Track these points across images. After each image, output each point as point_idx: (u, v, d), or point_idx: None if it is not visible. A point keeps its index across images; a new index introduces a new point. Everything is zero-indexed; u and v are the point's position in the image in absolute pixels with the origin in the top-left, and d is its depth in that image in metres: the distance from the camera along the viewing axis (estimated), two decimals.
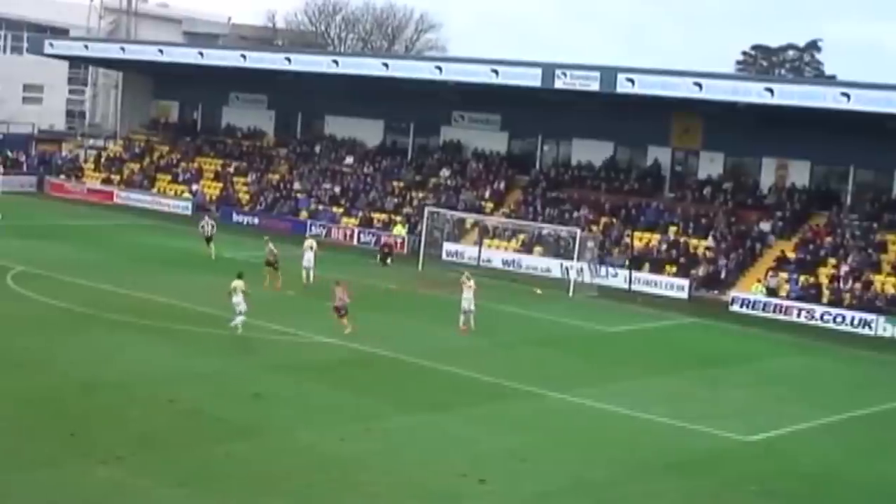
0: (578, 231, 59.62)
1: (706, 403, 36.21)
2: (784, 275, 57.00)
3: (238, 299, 39.02)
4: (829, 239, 59.34)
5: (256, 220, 73.11)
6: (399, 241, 66.80)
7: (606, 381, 37.80)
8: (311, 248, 52.52)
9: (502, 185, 71.40)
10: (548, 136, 73.62)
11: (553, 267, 60.80)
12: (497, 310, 49.33)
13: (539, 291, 51.23)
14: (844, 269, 56.38)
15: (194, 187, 79.80)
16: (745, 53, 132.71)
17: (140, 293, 44.19)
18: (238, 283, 39.29)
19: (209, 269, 52.86)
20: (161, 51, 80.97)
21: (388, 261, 61.47)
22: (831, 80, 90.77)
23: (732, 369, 42.48)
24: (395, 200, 72.26)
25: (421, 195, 72.00)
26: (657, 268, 59.85)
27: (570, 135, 71.95)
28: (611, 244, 62.47)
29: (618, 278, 59.13)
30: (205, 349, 37.37)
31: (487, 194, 70.80)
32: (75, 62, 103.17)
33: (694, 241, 61.72)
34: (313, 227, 70.80)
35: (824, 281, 56.29)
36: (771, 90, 57.70)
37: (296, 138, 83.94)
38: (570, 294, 55.80)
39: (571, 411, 33.60)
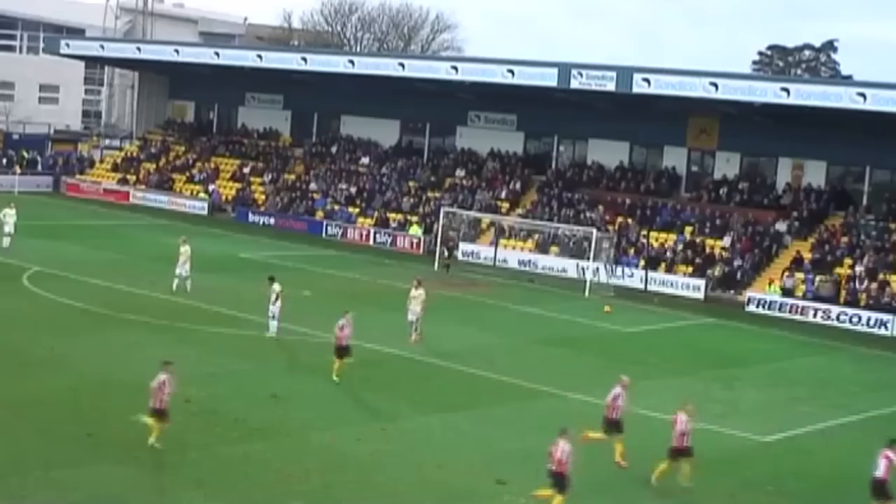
0: (594, 231, 59.59)
1: (722, 403, 36.16)
2: (800, 275, 56.90)
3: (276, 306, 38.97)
4: (844, 239, 59.21)
5: (272, 221, 73.29)
6: (416, 240, 66.89)
7: None
8: (185, 253, 46.50)
9: (518, 186, 71.37)
10: (564, 137, 73.59)
11: (569, 267, 60.82)
12: (514, 310, 49.34)
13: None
14: (860, 269, 56.27)
15: (210, 187, 79.94)
16: (761, 53, 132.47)
17: (156, 293, 44.20)
18: (276, 287, 39.33)
19: (226, 270, 52.94)
20: (177, 51, 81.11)
21: (449, 262, 60.86)
22: (847, 81, 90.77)
23: (748, 369, 42.44)
24: (411, 201, 72.25)
25: (437, 195, 72.02)
26: (674, 268, 59.88)
27: (585, 135, 71.87)
28: (626, 244, 62.41)
29: (634, 278, 59.17)
30: (221, 349, 37.42)
31: (503, 194, 70.78)
32: (91, 62, 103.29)
33: (710, 242, 61.65)
34: (329, 228, 70.96)
35: (840, 281, 56.16)
36: (787, 90, 57.62)
37: (311, 138, 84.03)
38: (587, 294, 55.77)
39: (589, 412, 33.50)
